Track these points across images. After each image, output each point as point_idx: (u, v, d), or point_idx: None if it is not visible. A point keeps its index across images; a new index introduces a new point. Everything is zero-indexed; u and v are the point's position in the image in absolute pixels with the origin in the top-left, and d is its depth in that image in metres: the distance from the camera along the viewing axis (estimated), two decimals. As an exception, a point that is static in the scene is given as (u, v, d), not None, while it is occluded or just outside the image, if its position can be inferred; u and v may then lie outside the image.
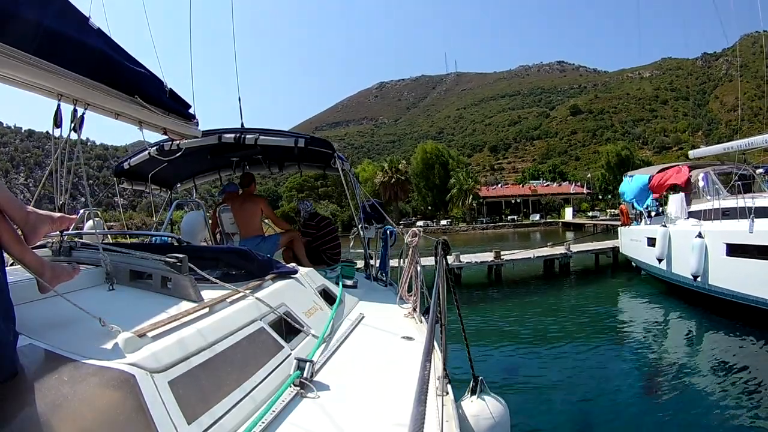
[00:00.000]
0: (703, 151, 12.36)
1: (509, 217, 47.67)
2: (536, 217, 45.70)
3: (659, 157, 74.20)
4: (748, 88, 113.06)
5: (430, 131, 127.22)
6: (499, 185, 61.60)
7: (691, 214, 9.68)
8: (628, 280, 12.88)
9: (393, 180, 45.46)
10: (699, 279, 8.31)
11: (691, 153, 12.75)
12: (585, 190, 54.26)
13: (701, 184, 9.96)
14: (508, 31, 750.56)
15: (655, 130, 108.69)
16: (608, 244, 15.49)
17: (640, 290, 11.40)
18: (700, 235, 8.23)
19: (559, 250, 13.99)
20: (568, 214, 43.10)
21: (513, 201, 52.43)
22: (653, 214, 11.61)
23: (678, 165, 11.05)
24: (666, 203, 11.38)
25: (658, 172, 11.15)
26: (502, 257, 12.84)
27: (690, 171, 10.36)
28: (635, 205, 11.93)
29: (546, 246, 15.10)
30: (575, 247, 14.42)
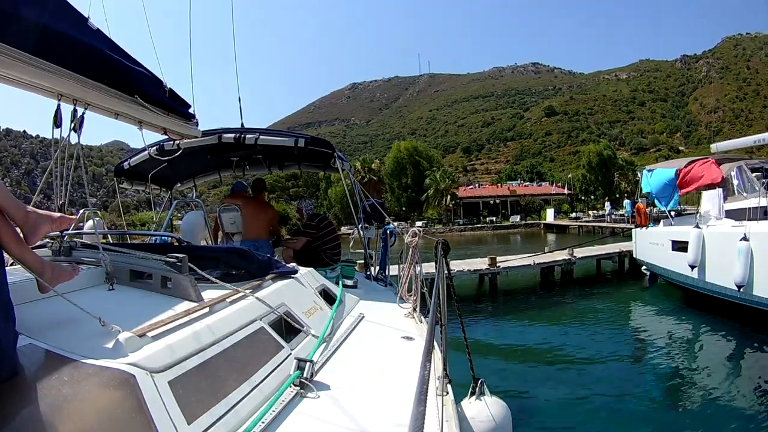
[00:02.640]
0: (729, 144, 11.19)
1: (488, 219, 45.98)
2: (516, 219, 43.93)
3: (637, 158, 73.69)
4: (730, 90, 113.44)
5: (402, 132, 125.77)
6: (477, 185, 59.95)
7: (727, 214, 8.46)
8: (642, 290, 11.47)
9: (366, 180, 43.42)
10: (743, 289, 7.19)
11: (714, 146, 11.41)
12: (566, 191, 52.82)
13: (736, 182, 8.91)
14: (482, 33, 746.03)
15: (632, 131, 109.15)
16: (612, 248, 13.94)
17: (656, 300, 10.22)
18: (745, 238, 7.08)
19: (561, 255, 12.53)
20: (550, 215, 41.41)
21: (491, 202, 50.80)
22: (673, 213, 10.40)
23: (706, 158, 9.76)
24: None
25: (686, 166, 9.64)
26: (498, 264, 11.31)
27: (719, 165, 9.13)
28: (658, 203, 10.52)
29: (545, 251, 13.62)
30: (578, 252, 12.97)
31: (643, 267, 11.84)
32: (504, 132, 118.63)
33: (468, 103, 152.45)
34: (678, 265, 9.02)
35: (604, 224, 30.51)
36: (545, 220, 40.50)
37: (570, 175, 57.73)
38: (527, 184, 58.13)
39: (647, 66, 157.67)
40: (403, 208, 49.74)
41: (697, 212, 9.38)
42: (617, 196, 46.63)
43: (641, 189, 11.30)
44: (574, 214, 43.15)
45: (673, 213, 10.31)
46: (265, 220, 4.74)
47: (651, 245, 10.68)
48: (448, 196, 45.24)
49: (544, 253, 13.46)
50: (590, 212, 42.01)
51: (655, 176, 10.51)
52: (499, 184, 58.78)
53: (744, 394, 4.97)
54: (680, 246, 8.92)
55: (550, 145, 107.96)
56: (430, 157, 53.56)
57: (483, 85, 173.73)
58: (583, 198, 51.40)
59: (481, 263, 11.70)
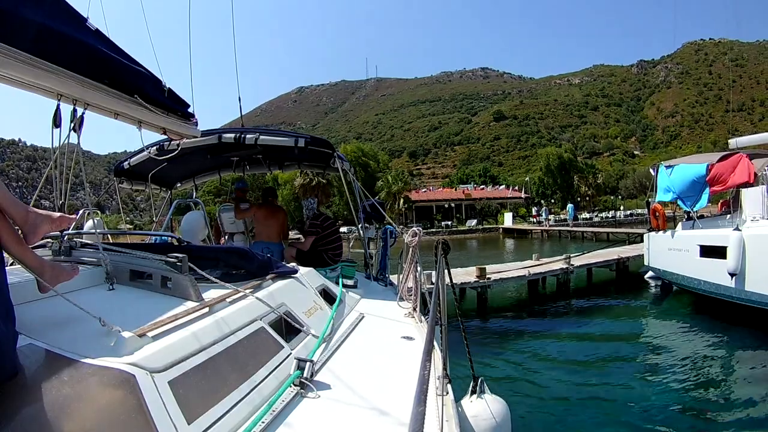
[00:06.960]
0: (750, 139, 10.33)
1: (443, 223, 43.76)
2: (473, 223, 42.26)
3: (591, 161, 73.61)
4: (689, 95, 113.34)
5: (348, 136, 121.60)
6: (431, 188, 58.41)
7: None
8: (654, 301, 10.29)
9: (314, 183, 40.52)
10: None
11: (733, 141, 10.53)
12: (522, 195, 51.82)
13: None
14: (431, 38, 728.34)
15: (584, 135, 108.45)
16: (609, 254, 12.77)
17: (675, 312, 9.21)
18: None
19: (557, 265, 11.27)
20: (508, 219, 40.06)
21: (445, 205, 48.86)
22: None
23: (738, 153, 8.84)
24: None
25: (719, 160, 8.51)
26: (488, 276, 9.64)
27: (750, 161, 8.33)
28: (681, 204, 9.30)
29: (532, 260, 12.24)
30: (575, 260, 11.59)
31: (648, 275, 10.95)
32: (451, 136, 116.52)
33: (415, 107, 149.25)
34: (708, 273, 7.98)
35: (571, 228, 29.43)
36: (503, 224, 39.30)
37: (527, 178, 56.93)
38: (482, 187, 56.67)
39: (601, 71, 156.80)
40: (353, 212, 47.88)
41: (730, 213, 8.49)
42: (578, 199, 46.08)
43: (654, 187, 10.08)
44: (534, 220, 41.16)
45: (695, 215, 9.14)
46: (277, 224, 4.86)
47: (670, 251, 9.46)
48: (401, 200, 42.76)
49: (537, 261, 12.13)
50: (550, 216, 39.80)
51: (677, 173, 9.30)
52: (454, 188, 56.75)
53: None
54: (711, 251, 7.92)
55: (499, 150, 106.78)
56: (378, 158, 51.01)
57: (430, 90, 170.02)
58: (542, 201, 49.95)
59: (465, 274, 10.10)
